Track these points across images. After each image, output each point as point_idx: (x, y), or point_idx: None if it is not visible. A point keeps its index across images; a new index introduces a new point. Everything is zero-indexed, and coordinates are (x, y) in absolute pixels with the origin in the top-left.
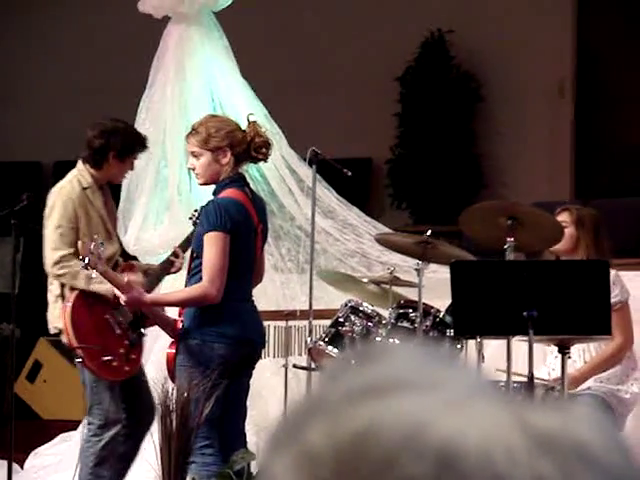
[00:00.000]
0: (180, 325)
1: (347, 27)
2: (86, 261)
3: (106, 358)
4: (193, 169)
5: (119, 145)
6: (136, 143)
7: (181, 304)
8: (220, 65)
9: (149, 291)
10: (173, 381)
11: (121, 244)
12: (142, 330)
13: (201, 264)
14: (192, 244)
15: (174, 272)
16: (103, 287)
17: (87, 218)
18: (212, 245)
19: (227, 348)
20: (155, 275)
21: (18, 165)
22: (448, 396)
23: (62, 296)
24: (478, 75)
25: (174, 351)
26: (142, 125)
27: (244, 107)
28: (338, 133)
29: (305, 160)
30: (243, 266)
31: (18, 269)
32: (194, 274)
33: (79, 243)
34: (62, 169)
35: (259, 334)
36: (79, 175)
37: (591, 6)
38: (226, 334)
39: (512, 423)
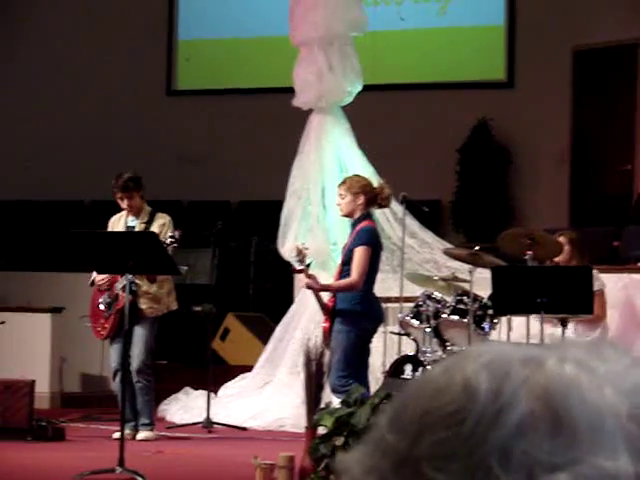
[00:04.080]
0: (331, 305)
1: (425, 114)
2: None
3: (89, 324)
4: (339, 205)
5: None
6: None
7: (339, 290)
8: (345, 141)
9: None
10: (327, 345)
11: None
12: (111, 310)
13: (349, 269)
14: (343, 255)
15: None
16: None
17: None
18: (362, 254)
19: (366, 322)
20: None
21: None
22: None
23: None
24: (509, 147)
25: (327, 325)
26: (294, 177)
27: (360, 167)
28: (419, 183)
29: (398, 201)
30: (374, 269)
31: (215, 269)
32: (343, 276)
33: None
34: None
35: (382, 313)
36: None
37: (584, 105)
38: (365, 312)
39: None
